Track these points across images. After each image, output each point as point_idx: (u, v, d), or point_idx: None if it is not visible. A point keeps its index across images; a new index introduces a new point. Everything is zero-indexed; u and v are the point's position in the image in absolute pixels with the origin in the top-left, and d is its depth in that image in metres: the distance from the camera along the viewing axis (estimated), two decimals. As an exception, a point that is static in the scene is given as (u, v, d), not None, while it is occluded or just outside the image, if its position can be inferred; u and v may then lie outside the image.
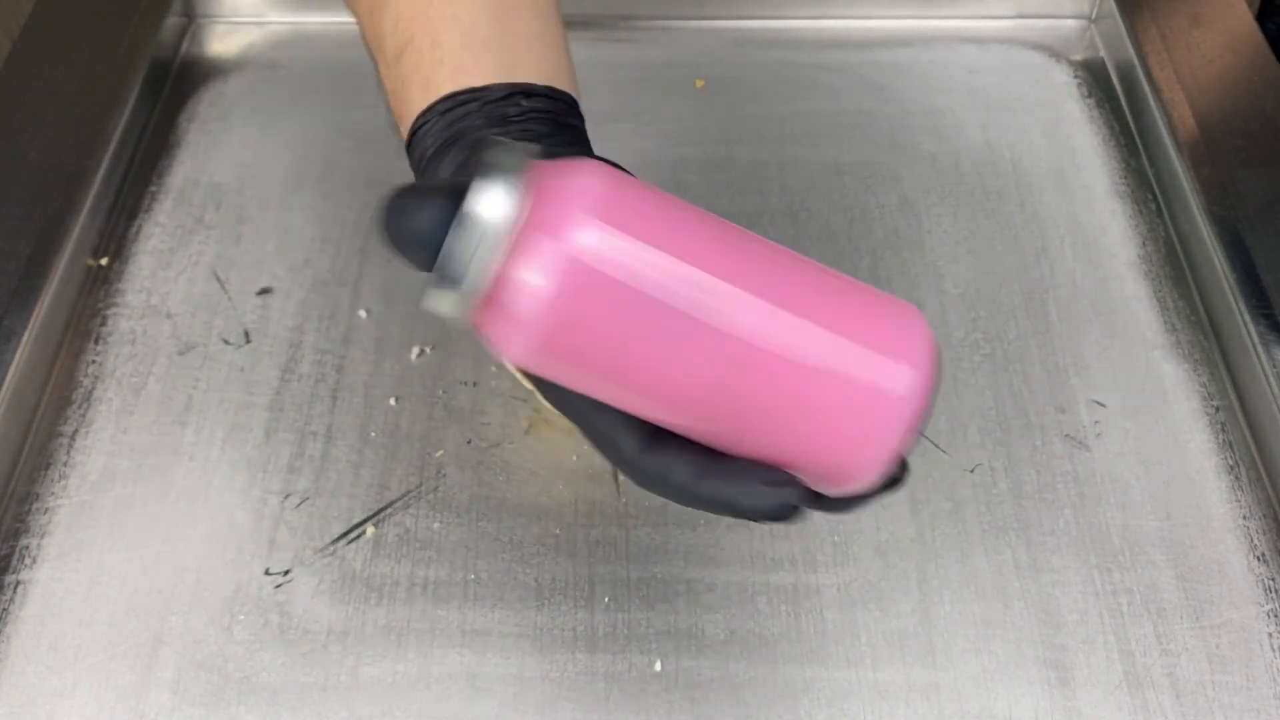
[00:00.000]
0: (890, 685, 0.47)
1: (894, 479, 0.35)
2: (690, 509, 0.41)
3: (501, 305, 0.30)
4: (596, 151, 0.40)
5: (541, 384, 0.36)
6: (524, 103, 0.39)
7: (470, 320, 0.31)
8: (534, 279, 0.30)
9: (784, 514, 0.33)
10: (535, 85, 0.39)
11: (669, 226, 0.31)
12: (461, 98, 0.38)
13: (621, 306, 0.30)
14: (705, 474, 0.33)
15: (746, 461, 0.33)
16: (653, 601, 0.50)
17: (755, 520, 0.33)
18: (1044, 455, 0.54)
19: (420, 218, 0.31)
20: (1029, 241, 0.63)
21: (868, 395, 0.32)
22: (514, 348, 0.31)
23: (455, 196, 0.30)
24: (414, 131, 0.39)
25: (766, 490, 0.33)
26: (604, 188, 0.31)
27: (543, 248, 0.30)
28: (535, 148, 0.32)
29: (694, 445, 0.34)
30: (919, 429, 0.33)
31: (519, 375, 0.53)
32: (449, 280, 0.30)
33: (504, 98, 0.38)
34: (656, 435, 0.34)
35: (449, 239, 0.30)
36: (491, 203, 0.30)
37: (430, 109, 0.39)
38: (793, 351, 0.31)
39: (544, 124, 0.39)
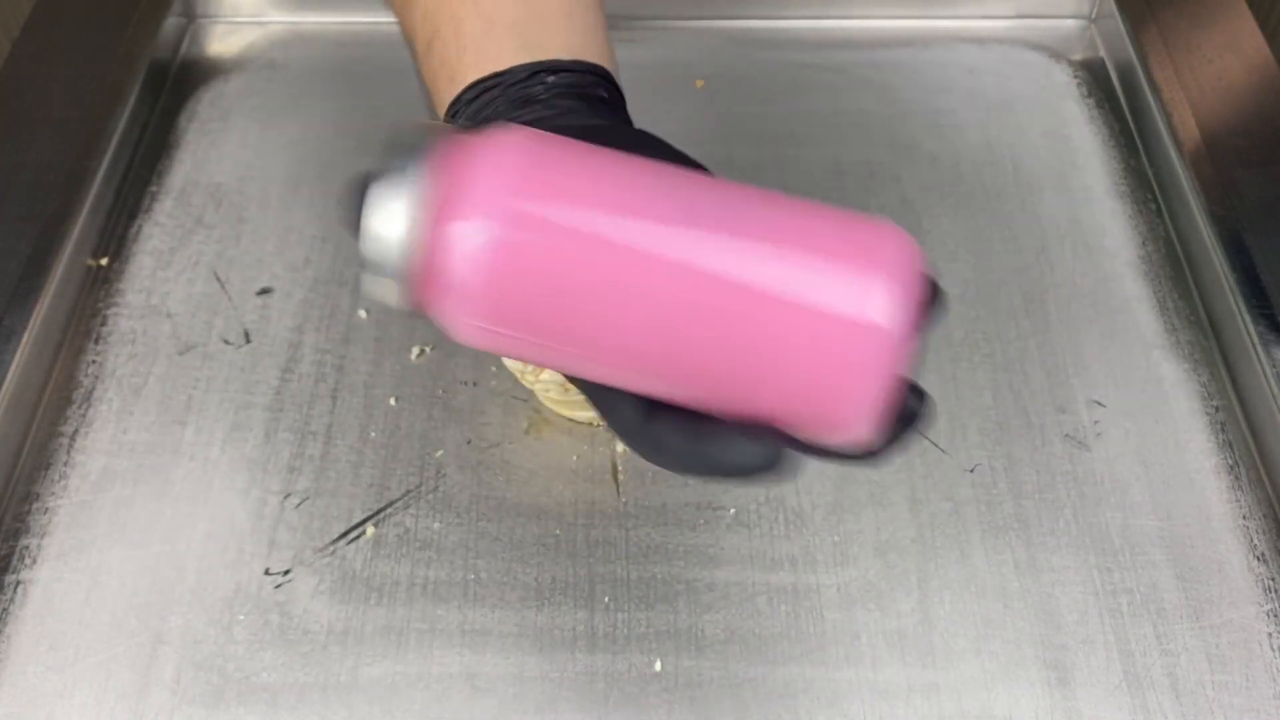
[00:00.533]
0: (890, 685, 0.47)
1: (912, 414, 0.32)
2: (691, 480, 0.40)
3: (431, 280, 0.30)
4: None
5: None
6: (549, 80, 0.38)
7: (412, 303, 0.31)
8: (451, 244, 0.29)
9: (765, 467, 0.31)
10: (560, 61, 0.39)
11: (595, 175, 0.30)
12: (485, 84, 0.38)
13: (548, 260, 0.29)
14: (697, 438, 0.32)
15: (733, 422, 0.31)
16: (653, 601, 0.50)
17: (741, 478, 0.32)
18: (1044, 455, 0.54)
19: (352, 206, 0.31)
20: (1029, 241, 0.63)
21: (836, 320, 0.28)
22: (456, 322, 0.31)
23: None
24: (449, 119, 0.39)
25: (745, 445, 0.31)
26: (515, 144, 0.30)
27: (454, 211, 0.29)
28: (445, 125, 0.32)
29: (692, 413, 0.32)
30: (909, 355, 0.29)
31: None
32: (370, 264, 0.30)
33: (526, 79, 0.38)
34: (659, 404, 0.33)
35: (361, 223, 0.30)
36: (393, 181, 0.29)
37: (458, 100, 0.39)
38: (745, 281, 0.28)
39: (570, 99, 0.38)
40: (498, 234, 0.29)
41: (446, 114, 0.39)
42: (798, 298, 0.29)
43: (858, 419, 0.30)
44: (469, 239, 0.29)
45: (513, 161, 0.30)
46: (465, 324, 0.31)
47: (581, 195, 0.30)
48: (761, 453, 0.31)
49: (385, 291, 0.30)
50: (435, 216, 0.29)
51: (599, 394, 0.34)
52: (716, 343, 0.29)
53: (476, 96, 0.38)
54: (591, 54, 0.40)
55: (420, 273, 0.30)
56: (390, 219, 0.29)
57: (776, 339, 0.29)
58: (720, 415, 0.32)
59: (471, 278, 0.29)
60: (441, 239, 0.29)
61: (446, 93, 0.39)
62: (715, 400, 0.31)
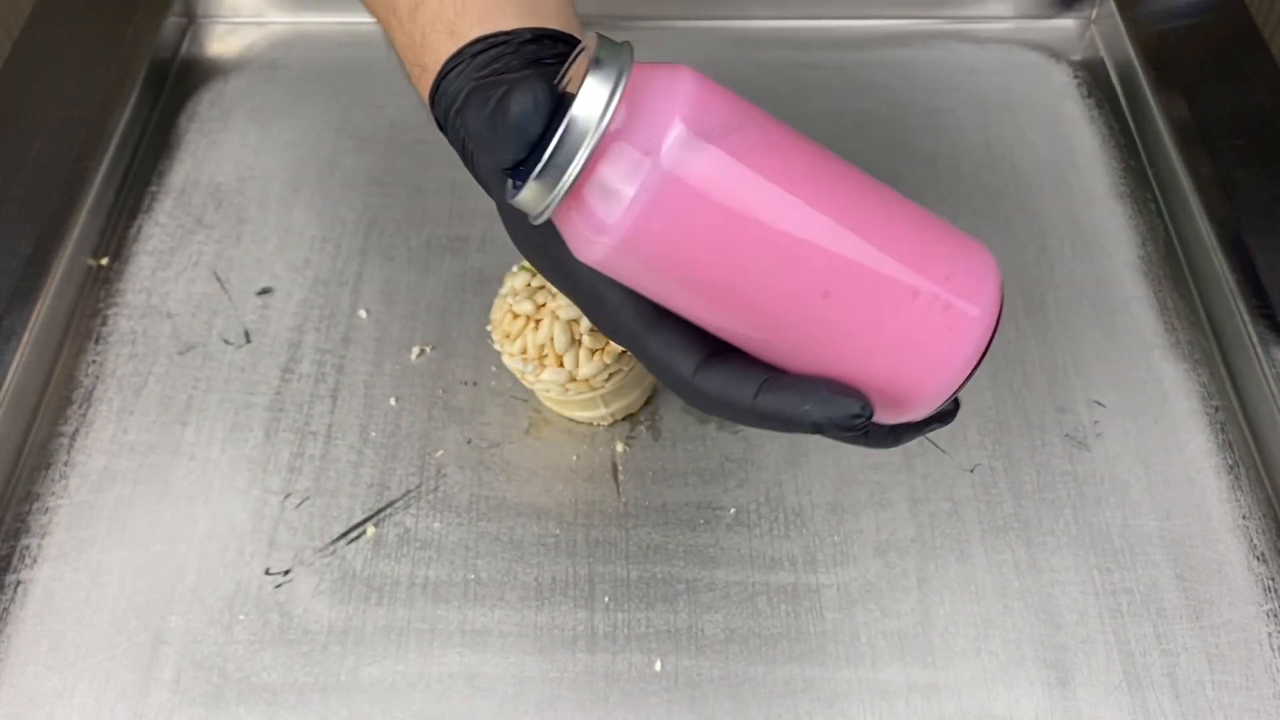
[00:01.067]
0: (890, 685, 0.47)
1: (946, 413, 0.35)
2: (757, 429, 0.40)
3: (587, 205, 0.31)
4: None
5: (593, 311, 0.36)
6: (552, 46, 0.39)
7: (550, 215, 0.31)
8: (625, 186, 0.30)
9: (853, 424, 0.33)
10: (560, 32, 0.40)
11: (762, 141, 0.31)
12: (492, 40, 0.39)
13: (709, 218, 0.30)
14: (767, 387, 0.33)
15: (810, 375, 0.33)
16: (653, 601, 0.50)
17: (822, 432, 0.33)
18: (1044, 455, 0.54)
19: (523, 107, 0.31)
20: (1029, 241, 0.63)
21: (946, 320, 0.32)
22: (593, 250, 0.31)
23: (553, 90, 0.31)
24: (443, 76, 0.39)
25: (836, 399, 0.32)
26: (699, 96, 0.31)
27: (635, 155, 0.30)
28: (631, 46, 0.32)
29: (752, 361, 0.34)
30: (981, 362, 0.34)
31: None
32: (548, 173, 0.30)
33: (533, 40, 0.39)
34: (713, 354, 0.34)
35: (560, 132, 0.30)
36: (597, 100, 0.30)
37: (461, 53, 0.39)
38: (878, 269, 0.32)
39: None
40: (671, 184, 0.30)
41: (445, 66, 0.39)
42: (921, 290, 0.32)
43: (931, 399, 0.34)
44: (642, 183, 0.30)
45: (697, 112, 0.31)
46: (597, 250, 0.31)
47: (747, 159, 0.31)
48: (851, 408, 0.32)
49: (536, 201, 0.31)
50: (618, 149, 0.30)
51: (648, 344, 0.34)
52: (836, 311, 0.32)
53: (483, 50, 0.38)
54: (576, 30, 0.41)
55: (580, 195, 0.31)
56: (585, 135, 0.30)
57: (895, 320, 0.32)
58: (791, 370, 0.33)
59: (631, 219, 0.30)
60: (619, 175, 0.30)
61: (446, 46, 0.39)
62: (801, 358, 0.33)
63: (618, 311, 0.35)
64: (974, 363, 0.33)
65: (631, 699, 0.47)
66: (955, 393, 0.34)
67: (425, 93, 0.40)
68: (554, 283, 0.38)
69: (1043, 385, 0.57)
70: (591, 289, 0.36)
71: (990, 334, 0.33)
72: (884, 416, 0.34)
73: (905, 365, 0.33)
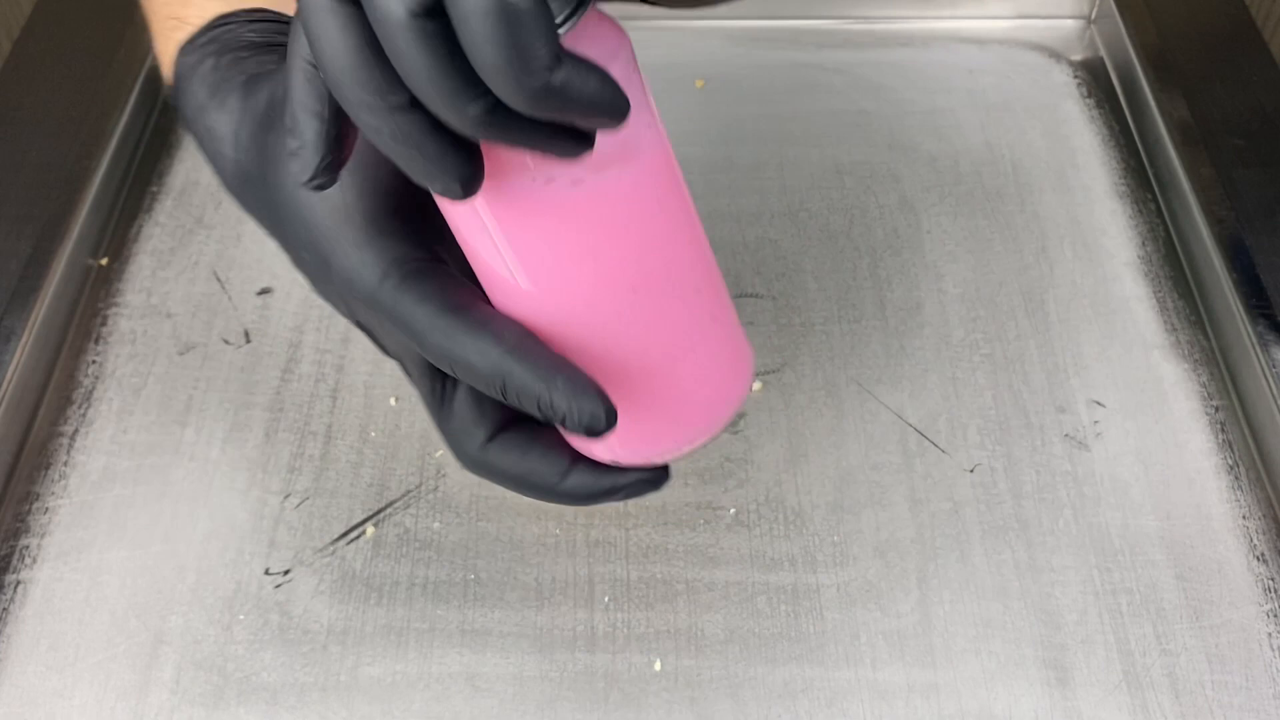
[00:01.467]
0: (890, 685, 0.47)
1: (654, 480, 0.37)
2: None
3: None
4: None
5: (322, 285, 0.36)
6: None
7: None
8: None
9: (593, 425, 0.30)
10: None
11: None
12: (273, 15, 0.38)
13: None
14: (516, 350, 0.30)
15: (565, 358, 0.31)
16: (653, 601, 0.50)
17: (548, 414, 0.30)
18: (1044, 455, 0.54)
19: None
20: (1029, 241, 0.63)
21: (710, 389, 0.35)
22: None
23: None
24: (214, 26, 0.38)
25: (592, 394, 0.30)
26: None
27: None
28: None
29: (515, 325, 0.31)
30: (709, 441, 0.37)
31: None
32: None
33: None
34: (474, 303, 0.31)
35: None
36: None
37: (236, 14, 0.38)
38: (685, 315, 0.34)
39: None
40: None
41: (214, 21, 0.38)
42: (695, 369, 0.35)
43: (656, 454, 0.36)
44: None
45: None
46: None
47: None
48: (596, 407, 0.31)
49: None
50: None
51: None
52: (625, 332, 0.33)
53: (261, 21, 0.38)
54: None
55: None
56: None
57: (671, 364, 0.34)
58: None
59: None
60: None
61: (212, 7, 0.38)
62: (573, 342, 0.33)
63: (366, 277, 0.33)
64: (702, 439, 0.36)
65: (631, 699, 0.47)
66: (675, 456, 0.36)
67: (174, 47, 0.38)
68: (279, 240, 0.36)
69: (1043, 385, 0.57)
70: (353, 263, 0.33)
71: (724, 425, 0.36)
72: (608, 453, 0.36)
73: (656, 410, 0.35)
